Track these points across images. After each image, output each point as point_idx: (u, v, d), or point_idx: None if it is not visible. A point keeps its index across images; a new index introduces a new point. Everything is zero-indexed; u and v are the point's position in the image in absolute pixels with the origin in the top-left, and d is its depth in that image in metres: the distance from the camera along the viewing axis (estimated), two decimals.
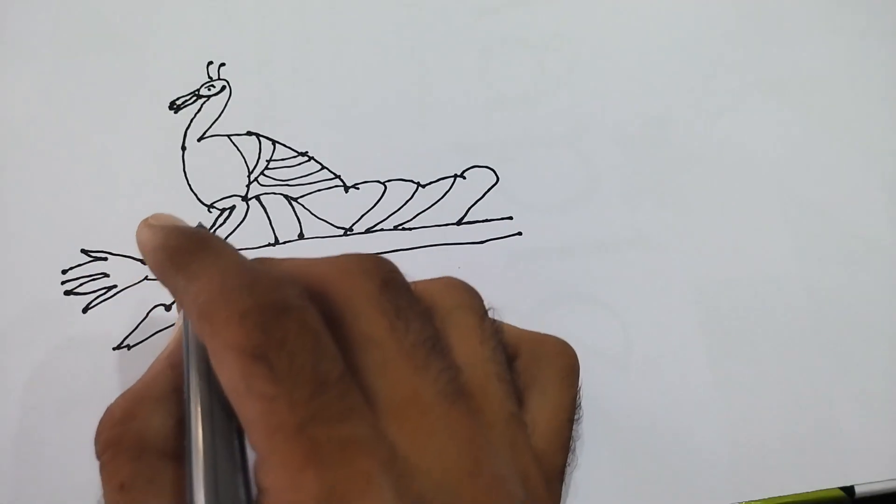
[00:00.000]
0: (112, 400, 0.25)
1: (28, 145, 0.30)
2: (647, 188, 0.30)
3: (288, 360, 0.15)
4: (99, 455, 0.18)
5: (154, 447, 0.17)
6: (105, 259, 0.28)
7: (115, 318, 0.26)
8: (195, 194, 0.29)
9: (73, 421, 0.25)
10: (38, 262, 0.27)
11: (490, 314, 0.20)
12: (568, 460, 0.20)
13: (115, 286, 0.27)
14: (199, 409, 0.16)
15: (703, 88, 0.33)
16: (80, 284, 0.27)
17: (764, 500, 0.25)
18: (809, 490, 0.26)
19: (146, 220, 0.20)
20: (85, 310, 0.27)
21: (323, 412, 0.14)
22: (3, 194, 0.29)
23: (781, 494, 0.25)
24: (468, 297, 0.20)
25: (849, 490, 0.26)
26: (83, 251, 0.28)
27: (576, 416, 0.21)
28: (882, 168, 0.32)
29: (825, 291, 0.29)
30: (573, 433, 0.20)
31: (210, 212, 0.29)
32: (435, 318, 0.18)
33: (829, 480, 0.26)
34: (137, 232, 0.20)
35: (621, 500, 0.25)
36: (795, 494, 0.25)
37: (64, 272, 0.27)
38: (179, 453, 0.17)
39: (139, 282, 0.27)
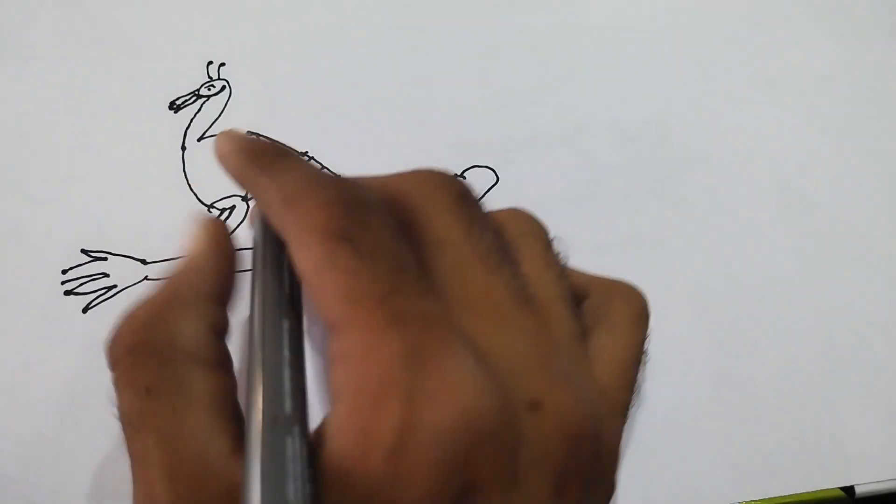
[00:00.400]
0: (110, 401, 0.25)
1: (28, 145, 0.30)
2: (647, 188, 0.30)
3: (371, 241, 0.15)
4: (118, 360, 0.17)
5: (185, 352, 0.17)
6: (105, 259, 0.28)
7: (115, 318, 0.26)
8: (195, 194, 0.29)
9: (73, 421, 0.25)
10: (38, 262, 0.27)
11: (556, 247, 0.20)
12: (633, 402, 0.19)
13: (115, 286, 0.27)
14: (265, 300, 0.17)
15: (703, 88, 0.33)
16: (80, 284, 0.27)
17: (764, 500, 0.25)
18: (809, 490, 0.26)
19: (222, 132, 0.20)
20: (85, 310, 0.27)
21: (404, 287, 0.15)
22: (3, 194, 0.29)
23: (782, 494, 0.25)
24: (536, 225, 0.20)
25: (849, 490, 0.26)
26: (83, 251, 0.28)
27: (643, 360, 0.20)
28: (882, 167, 0.32)
29: (825, 291, 0.29)
30: (640, 376, 0.20)
31: (210, 212, 0.29)
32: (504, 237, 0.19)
33: (830, 480, 0.26)
34: (217, 142, 0.19)
35: (621, 500, 0.25)
36: (795, 494, 0.25)
37: (64, 272, 0.27)
38: (212, 360, 0.17)
39: (139, 282, 0.27)
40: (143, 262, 0.28)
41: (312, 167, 0.17)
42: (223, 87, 0.31)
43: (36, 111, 0.30)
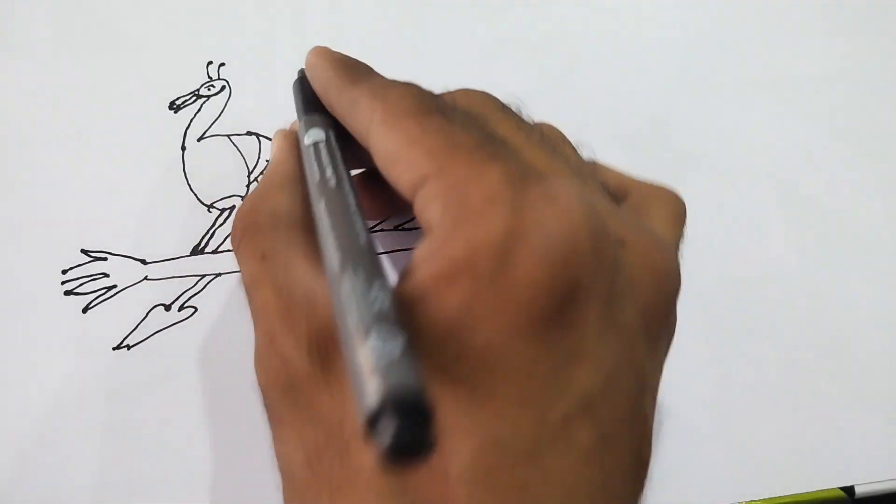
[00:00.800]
0: (110, 401, 0.25)
1: (28, 145, 0.30)
2: None
3: (459, 115, 0.18)
4: (238, 241, 0.20)
5: (286, 219, 0.20)
6: (105, 259, 0.28)
7: (115, 318, 0.26)
8: (195, 194, 0.29)
9: (73, 421, 0.25)
10: (38, 262, 0.27)
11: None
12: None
13: (115, 286, 0.27)
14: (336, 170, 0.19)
15: (703, 88, 0.33)
16: (80, 284, 0.27)
17: (764, 500, 0.25)
18: (809, 490, 0.26)
19: (314, 48, 0.23)
20: (85, 310, 0.27)
21: (495, 142, 0.17)
22: (3, 194, 0.29)
23: (781, 494, 0.25)
24: (566, 137, 0.22)
25: (849, 490, 0.26)
26: (83, 251, 0.28)
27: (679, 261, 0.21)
28: (883, 167, 0.32)
29: (826, 290, 0.29)
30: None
31: (210, 212, 0.29)
32: None
33: (830, 480, 0.26)
34: (309, 54, 0.23)
35: None
36: (795, 494, 0.25)
37: (64, 272, 0.27)
38: (308, 223, 0.19)
39: (139, 282, 0.27)
40: (143, 262, 0.28)
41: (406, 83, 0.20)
42: (223, 87, 0.31)
43: (36, 111, 0.30)
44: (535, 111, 0.32)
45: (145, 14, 0.33)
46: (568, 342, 0.15)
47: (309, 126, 0.21)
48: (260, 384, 0.18)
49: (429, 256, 0.15)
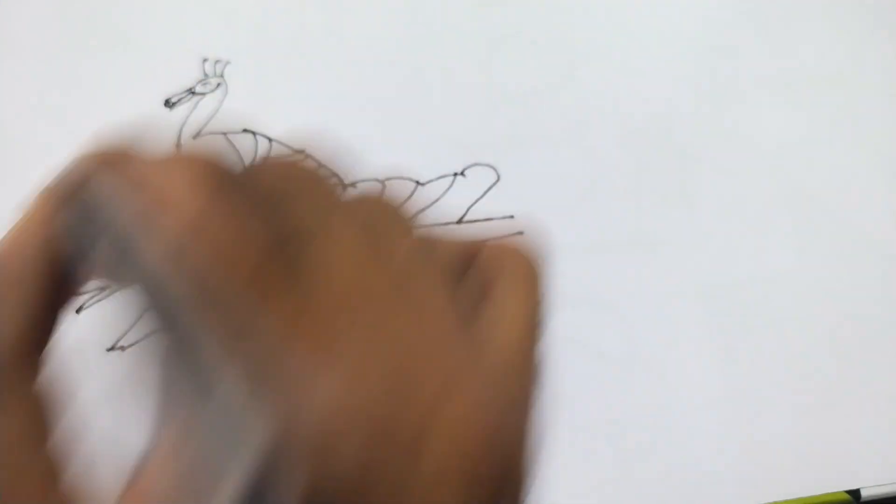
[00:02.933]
0: (106, 404, 0.25)
1: (24, 143, 0.30)
2: (650, 186, 0.30)
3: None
4: None
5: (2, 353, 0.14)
6: None
7: (109, 319, 0.26)
8: None
9: (66, 424, 0.24)
10: None
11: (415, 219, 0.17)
12: (534, 389, 0.16)
13: (108, 287, 0.27)
14: None
15: (706, 86, 0.33)
16: None
17: (770, 503, 0.25)
18: (815, 493, 0.25)
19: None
20: (78, 311, 0.26)
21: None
22: (2, 194, 0.29)
23: (787, 498, 0.25)
24: (394, 209, 0.17)
25: (855, 493, 0.26)
26: None
27: (540, 332, 0.17)
28: (887, 167, 0.31)
29: (830, 290, 0.29)
30: (538, 355, 0.17)
31: None
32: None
33: (835, 484, 0.26)
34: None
35: (624, 502, 0.25)
36: (801, 498, 0.25)
37: None
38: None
39: None
40: None
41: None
42: (218, 85, 0.31)
43: (31, 109, 0.30)
44: (538, 108, 0.32)
45: (140, 11, 0.33)
46: None
47: None
48: None
49: None
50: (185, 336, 0.12)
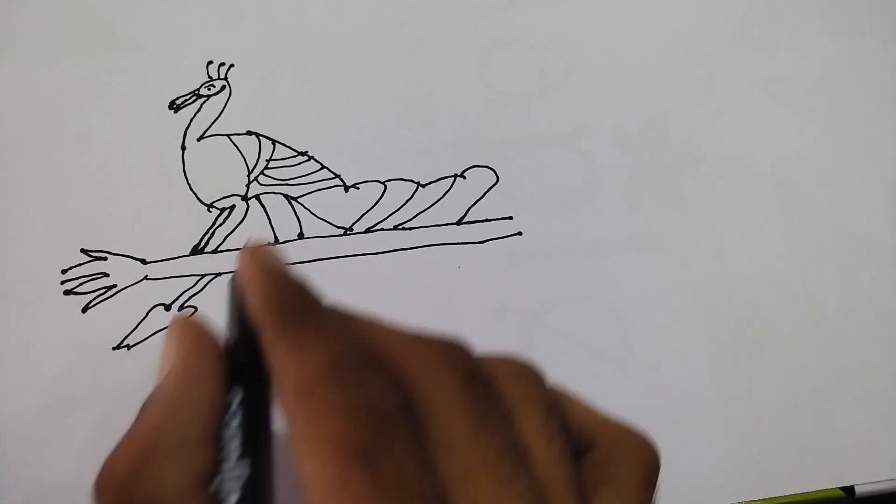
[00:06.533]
0: (109, 400, 0.25)
1: (28, 145, 0.30)
2: (648, 188, 0.30)
3: (393, 468, 0.14)
4: None
5: None
6: (105, 259, 0.28)
7: (115, 317, 0.26)
8: (195, 194, 0.29)
9: (73, 421, 0.25)
10: (38, 262, 0.27)
11: (554, 402, 0.18)
12: None
13: (114, 286, 0.27)
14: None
15: (703, 88, 0.33)
16: (80, 284, 0.27)
17: (764, 500, 0.25)
18: (809, 490, 0.26)
19: (253, 251, 0.17)
20: (84, 310, 0.27)
21: None
22: (3, 194, 0.29)
23: (782, 494, 0.25)
24: (532, 387, 0.18)
25: (849, 490, 0.26)
26: (83, 251, 0.28)
27: None
28: (882, 168, 0.32)
29: (825, 291, 0.29)
30: None
31: (210, 211, 0.29)
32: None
33: (830, 480, 0.26)
34: (240, 262, 0.17)
35: None
36: (796, 494, 0.25)
37: (64, 272, 0.27)
38: None
39: (139, 281, 0.27)
40: (143, 261, 0.28)
41: (338, 343, 0.16)
42: (223, 87, 0.31)
43: (36, 111, 0.30)
44: (536, 111, 0.32)
45: (145, 14, 0.33)
46: None
47: (236, 376, 0.17)
48: None
49: None
50: None
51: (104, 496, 0.16)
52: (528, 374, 0.18)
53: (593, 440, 0.19)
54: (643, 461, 0.19)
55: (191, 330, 0.17)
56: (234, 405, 0.16)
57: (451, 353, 0.16)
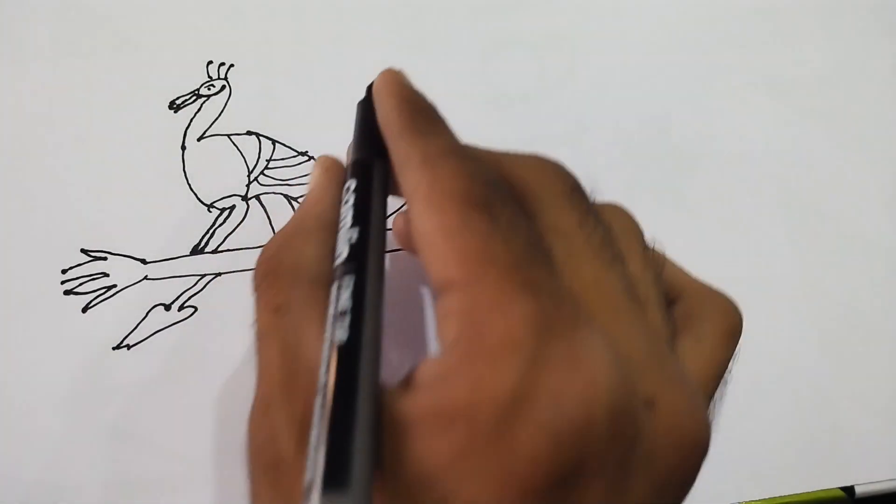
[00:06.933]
0: (111, 401, 0.25)
1: (28, 145, 0.30)
2: (647, 188, 0.30)
3: (508, 215, 0.16)
4: (257, 284, 0.19)
5: (309, 273, 0.19)
6: (105, 259, 0.28)
7: (115, 317, 0.26)
8: (195, 194, 0.29)
9: (73, 421, 0.25)
10: (38, 262, 0.27)
11: (651, 245, 0.20)
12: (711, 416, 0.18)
13: (114, 286, 0.27)
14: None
15: (702, 88, 0.33)
16: (80, 284, 0.27)
17: (764, 500, 0.25)
18: (810, 490, 0.26)
19: (388, 71, 0.22)
20: (85, 310, 0.27)
21: (535, 262, 0.15)
22: (3, 194, 0.29)
23: (782, 494, 0.25)
24: (634, 224, 0.20)
25: (849, 490, 0.26)
26: (83, 251, 0.28)
27: (727, 377, 0.20)
28: (882, 168, 0.32)
29: (825, 290, 0.29)
30: (718, 394, 0.19)
31: (210, 211, 0.29)
32: None
33: (830, 480, 0.26)
34: (379, 79, 0.21)
35: None
36: (796, 494, 0.25)
37: (64, 272, 0.27)
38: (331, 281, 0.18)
39: (139, 281, 0.27)
40: (143, 261, 0.28)
41: (457, 140, 0.19)
42: (223, 87, 0.31)
43: (36, 111, 0.30)
44: (535, 111, 0.32)
45: (145, 14, 0.33)
46: None
47: (353, 172, 0.20)
48: (246, 449, 0.17)
49: (432, 383, 0.14)
50: None
51: (260, 267, 0.19)
52: (631, 215, 0.20)
53: (680, 294, 0.20)
54: (727, 320, 0.20)
55: (330, 160, 0.23)
56: (350, 191, 0.19)
57: (559, 167, 0.19)
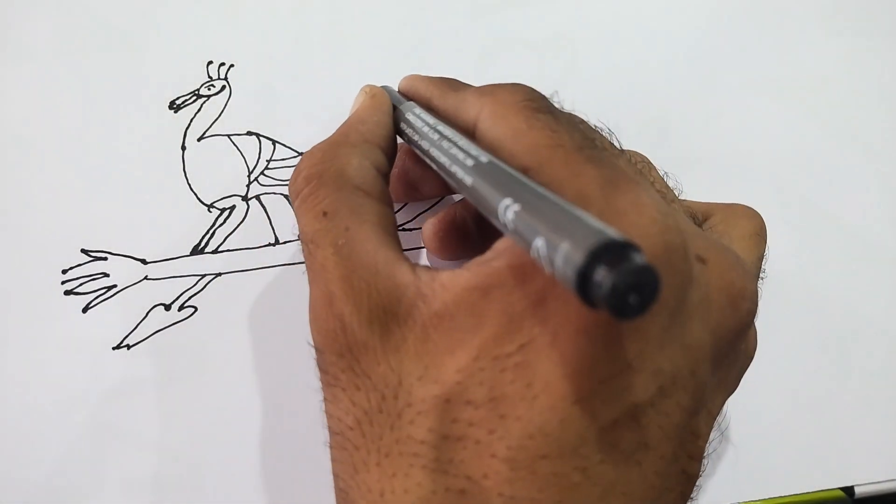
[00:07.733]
0: (111, 401, 0.25)
1: (28, 145, 0.30)
2: None
3: (566, 116, 0.19)
4: (299, 190, 0.20)
5: (354, 181, 0.20)
6: (105, 259, 0.28)
7: (115, 317, 0.26)
8: (195, 194, 0.29)
9: (73, 421, 0.25)
10: (38, 262, 0.27)
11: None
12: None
13: (114, 286, 0.27)
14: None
15: (702, 88, 0.33)
16: (80, 284, 0.27)
17: (764, 500, 0.25)
18: (810, 490, 0.26)
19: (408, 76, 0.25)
20: (85, 310, 0.27)
21: (595, 146, 0.18)
22: (3, 194, 0.29)
23: (782, 495, 0.25)
24: (652, 164, 0.23)
25: (849, 490, 0.26)
26: (83, 251, 0.28)
27: (761, 275, 0.22)
28: (882, 168, 0.32)
29: (825, 291, 0.29)
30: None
31: (210, 212, 0.29)
32: None
33: (830, 480, 0.26)
34: (404, 80, 0.25)
35: None
36: (796, 495, 0.26)
37: (64, 272, 0.27)
38: (375, 192, 0.20)
39: (139, 282, 0.27)
40: (143, 261, 0.28)
41: None
42: (223, 87, 0.31)
43: (36, 111, 0.30)
44: None
45: (145, 14, 0.33)
46: (628, 349, 0.15)
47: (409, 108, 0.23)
48: (315, 342, 0.18)
49: (512, 244, 0.16)
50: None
51: (302, 173, 0.20)
52: (648, 160, 0.23)
53: (710, 214, 0.23)
54: (753, 222, 0.23)
55: (376, 88, 0.25)
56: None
57: (578, 118, 0.22)
